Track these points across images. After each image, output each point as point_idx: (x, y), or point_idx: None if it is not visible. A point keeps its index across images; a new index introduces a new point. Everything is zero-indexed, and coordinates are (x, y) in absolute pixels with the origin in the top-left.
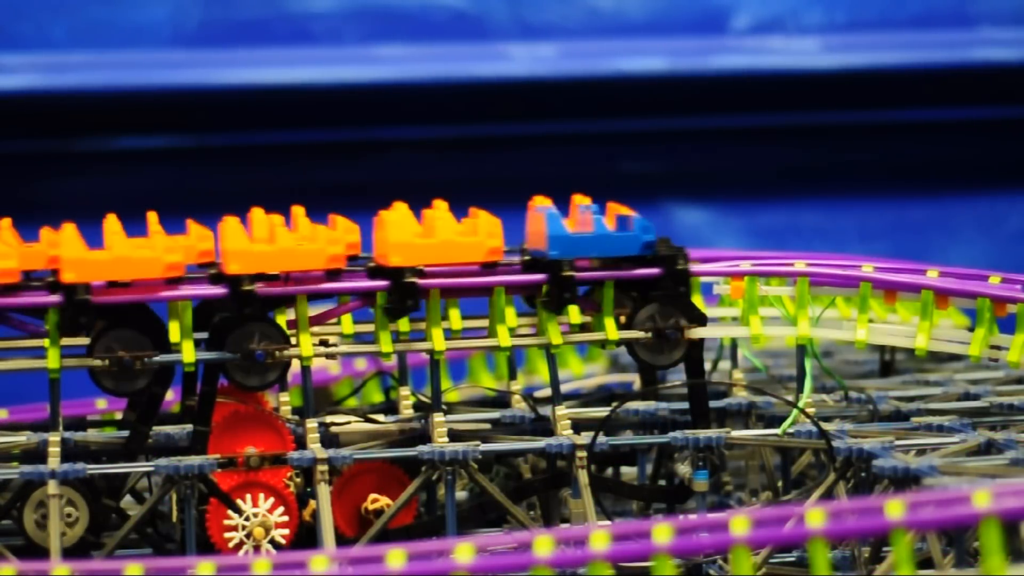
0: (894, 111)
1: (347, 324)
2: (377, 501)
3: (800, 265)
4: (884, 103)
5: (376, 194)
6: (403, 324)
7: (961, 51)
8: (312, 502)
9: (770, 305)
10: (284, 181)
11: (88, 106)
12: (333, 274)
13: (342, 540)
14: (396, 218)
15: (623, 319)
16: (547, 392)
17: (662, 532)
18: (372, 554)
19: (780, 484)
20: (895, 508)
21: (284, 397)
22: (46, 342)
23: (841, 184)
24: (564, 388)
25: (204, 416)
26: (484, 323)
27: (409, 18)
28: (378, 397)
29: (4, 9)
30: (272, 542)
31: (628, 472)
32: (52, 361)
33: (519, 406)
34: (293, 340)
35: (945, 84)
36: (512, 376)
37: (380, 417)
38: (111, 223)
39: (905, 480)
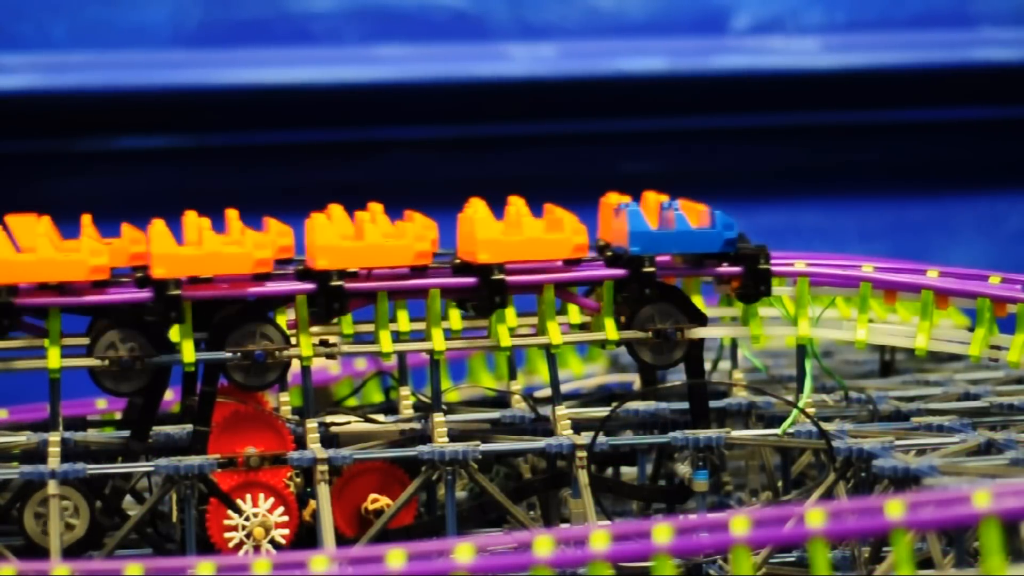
0: (894, 111)
1: (347, 324)
2: (377, 501)
3: (800, 265)
4: (884, 103)
5: (376, 194)
6: (403, 324)
7: (961, 51)
8: (312, 502)
9: (770, 305)
10: (284, 181)
11: (88, 106)
12: (418, 270)
13: (342, 540)
14: (483, 215)
15: (623, 319)
16: (547, 392)
17: (662, 532)
18: (372, 554)
19: (780, 484)
20: (895, 508)
21: (284, 397)
22: (46, 342)
23: (841, 184)
24: (564, 388)
25: (204, 416)
26: (484, 323)
27: (409, 18)
28: (378, 397)
29: (4, 9)
30: (272, 542)
31: (628, 472)
32: (52, 361)
33: (519, 406)
34: (293, 340)
35: (945, 84)
36: (512, 376)
37: (380, 417)
38: (191, 218)
39: (905, 480)
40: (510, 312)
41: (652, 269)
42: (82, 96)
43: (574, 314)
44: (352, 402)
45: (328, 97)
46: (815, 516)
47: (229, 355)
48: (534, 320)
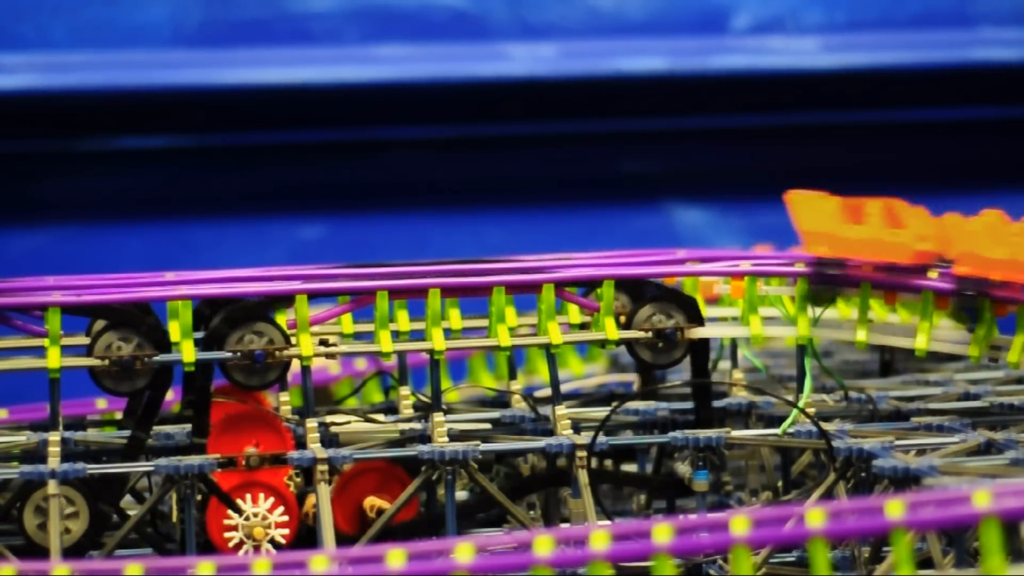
0: (894, 111)
1: (347, 324)
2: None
3: (800, 265)
4: (884, 103)
5: (376, 194)
6: (403, 324)
7: (961, 51)
8: (311, 499)
9: (770, 305)
10: (284, 181)
11: (88, 106)
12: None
13: (343, 540)
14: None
15: (623, 319)
16: (547, 392)
17: (662, 532)
18: (372, 554)
19: (780, 484)
20: (895, 508)
21: (284, 397)
22: (46, 342)
23: (841, 184)
24: (564, 388)
25: (202, 425)
26: (484, 323)
27: (409, 18)
28: (378, 397)
29: (4, 9)
30: (272, 542)
31: (627, 471)
32: (52, 361)
33: (519, 406)
34: (293, 340)
35: (945, 84)
36: (512, 376)
37: (380, 417)
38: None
39: (905, 480)
40: (510, 312)
41: None
42: (82, 96)
43: (574, 314)
44: (352, 402)
45: (328, 97)
46: (815, 516)
47: (229, 355)
48: (534, 320)
